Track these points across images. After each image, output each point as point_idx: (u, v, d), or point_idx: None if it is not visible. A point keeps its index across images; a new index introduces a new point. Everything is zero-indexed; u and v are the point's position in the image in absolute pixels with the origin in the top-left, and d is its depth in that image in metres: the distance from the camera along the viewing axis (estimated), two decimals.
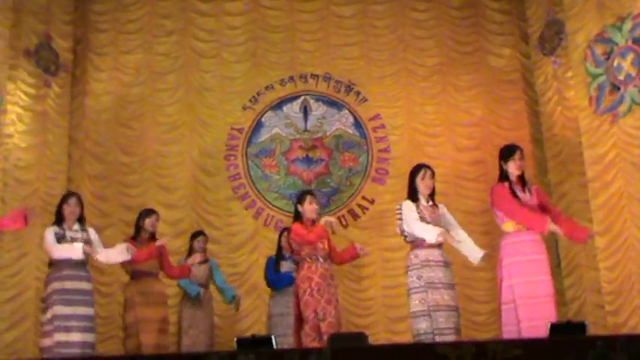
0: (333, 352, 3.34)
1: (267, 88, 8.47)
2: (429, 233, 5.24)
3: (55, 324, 5.40)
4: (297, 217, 5.85)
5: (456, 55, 8.58)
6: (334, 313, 5.55)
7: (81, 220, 5.78)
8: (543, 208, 5.32)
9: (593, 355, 3.29)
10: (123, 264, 6.31)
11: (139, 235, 6.37)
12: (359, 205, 8.22)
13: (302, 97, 8.49)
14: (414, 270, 5.30)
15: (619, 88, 6.63)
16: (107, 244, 6.09)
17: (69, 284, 5.50)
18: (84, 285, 5.60)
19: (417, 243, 5.36)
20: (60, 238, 5.58)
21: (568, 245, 7.47)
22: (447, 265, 5.35)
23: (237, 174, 8.25)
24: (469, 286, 7.79)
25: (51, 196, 7.26)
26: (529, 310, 4.98)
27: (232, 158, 8.27)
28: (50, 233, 5.61)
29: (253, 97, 8.43)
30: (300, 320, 5.65)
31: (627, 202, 6.52)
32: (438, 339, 5.05)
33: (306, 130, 8.41)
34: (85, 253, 5.58)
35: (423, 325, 5.18)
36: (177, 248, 7.37)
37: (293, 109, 8.46)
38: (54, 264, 5.63)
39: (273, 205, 8.16)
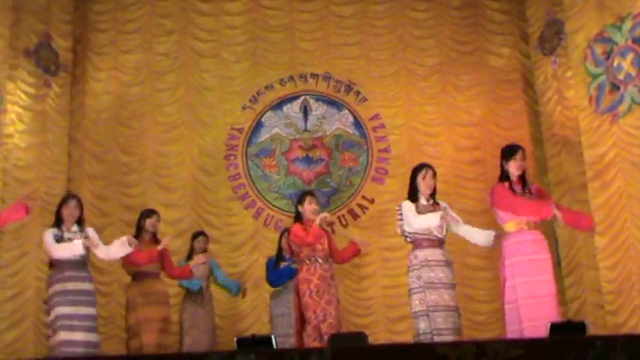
0: (333, 351, 3.34)
1: (267, 87, 8.47)
2: (431, 219, 5.25)
3: (59, 323, 5.41)
4: (298, 217, 5.86)
5: (455, 55, 8.58)
6: (334, 314, 5.56)
7: (80, 222, 5.77)
8: None
9: (593, 355, 3.29)
10: (124, 265, 6.30)
11: (140, 235, 6.36)
12: (359, 205, 8.22)
13: (302, 97, 8.49)
14: (414, 270, 5.30)
15: (619, 88, 6.63)
16: (107, 244, 6.06)
17: (71, 285, 5.51)
18: (86, 286, 5.61)
19: (417, 243, 5.36)
20: (58, 240, 5.57)
21: (568, 245, 7.47)
22: (448, 264, 5.34)
23: (237, 174, 8.25)
24: (469, 286, 7.79)
25: (51, 195, 7.26)
26: (531, 310, 4.98)
27: (232, 158, 8.27)
28: (49, 235, 5.61)
29: (253, 96, 8.43)
30: (302, 321, 5.66)
31: (627, 202, 6.51)
32: (436, 339, 5.04)
33: (306, 129, 8.41)
34: (85, 246, 5.58)
35: (422, 325, 5.18)
36: (178, 248, 7.37)
37: (293, 108, 8.46)
38: (55, 265, 5.63)
39: (273, 205, 8.16)
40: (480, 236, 5.50)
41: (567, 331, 4.02)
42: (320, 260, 5.69)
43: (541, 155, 8.08)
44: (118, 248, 5.81)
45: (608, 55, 6.74)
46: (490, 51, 8.61)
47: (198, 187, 8.18)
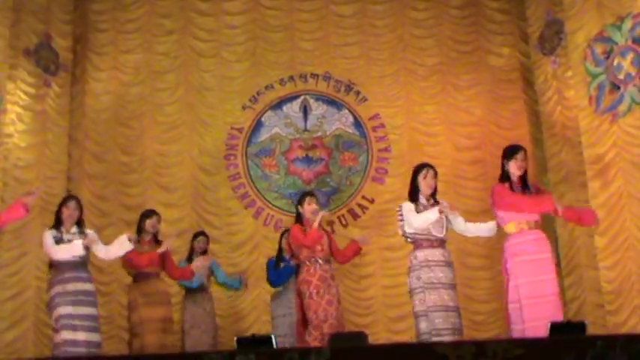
0: (332, 351, 3.34)
1: (266, 87, 8.47)
2: (430, 215, 5.25)
3: (61, 322, 5.41)
4: (298, 218, 5.87)
5: (455, 55, 8.58)
6: (335, 315, 5.57)
7: (79, 223, 5.76)
8: None
9: (593, 354, 3.28)
10: (125, 267, 6.29)
11: (140, 236, 6.35)
12: (359, 205, 8.22)
13: (302, 97, 8.49)
14: (414, 271, 5.29)
15: (619, 88, 6.63)
16: (107, 244, 6.06)
17: (71, 286, 5.50)
18: (87, 286, 5.60)
19: (417, 244, 5.35)
20: (58, 241, 5.56)
21: (568, 245, 7.47)
22: (448, 264, 5.32)
23: (236, 173, 8.25)
24: (469, 286, 7.78)
25: (51, 195, 7.26)
26: (534, 309, 4.96)
27: (232, 158, 8.28)
28: (49, 236, 5.60)
29: (253, 96, 8.43)
30: (304, 323, 5.66)
31: (627, 202, 6.51)
32: (435, 339, 5.03)
33: (305, 129, 8.41)
34: (85, 247, 5.57)
35: (422, 325, 5.18)
36: (178, 248, 7.36)
37: (293, 108, 8.46)
38: (55, 266, 5.62)
39: (273, 205, 8.16)
40: (484, 227, 5.53)
41: (567, 331, 4.02)
42: (320, 261, 5.70)
43: (541, 155, 8.08)
44: (119, 247, 5.80)
45: (608, 54, 6.74)
46: (490, 51, 8.61)
47: (198, 187, 8.18)
